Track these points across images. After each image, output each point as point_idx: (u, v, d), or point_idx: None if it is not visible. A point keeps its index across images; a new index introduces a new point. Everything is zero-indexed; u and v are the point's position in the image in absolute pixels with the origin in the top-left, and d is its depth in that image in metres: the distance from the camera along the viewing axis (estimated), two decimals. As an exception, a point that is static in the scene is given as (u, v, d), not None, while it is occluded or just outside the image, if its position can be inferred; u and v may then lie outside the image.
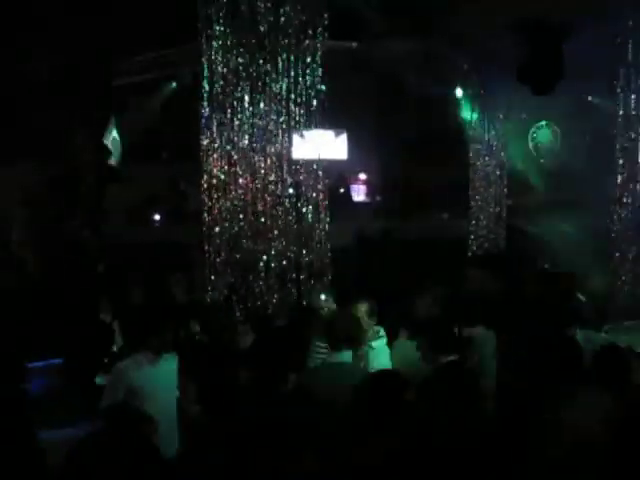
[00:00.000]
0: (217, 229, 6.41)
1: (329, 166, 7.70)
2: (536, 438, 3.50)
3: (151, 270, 7.91)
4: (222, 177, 6.46)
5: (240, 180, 6.55)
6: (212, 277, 6.37)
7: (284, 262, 6.81)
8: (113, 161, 10.34)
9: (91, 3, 8.00)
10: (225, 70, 6.33)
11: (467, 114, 10.64)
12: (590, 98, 10.99)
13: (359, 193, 14.12)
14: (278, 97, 6.63)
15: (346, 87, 10.11)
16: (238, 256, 6.52)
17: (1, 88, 9.25)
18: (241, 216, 6.52)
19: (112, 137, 10.27)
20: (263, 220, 6.67)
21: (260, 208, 6.69)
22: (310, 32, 6.54)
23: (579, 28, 7.93)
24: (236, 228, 6.56)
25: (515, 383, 4.20)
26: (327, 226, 7.23)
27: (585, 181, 11.80)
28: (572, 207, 11.64)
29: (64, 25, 8.39)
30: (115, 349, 6.50)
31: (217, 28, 6.20)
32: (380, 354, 5.50)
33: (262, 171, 6.65)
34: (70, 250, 9.38)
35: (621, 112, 8.70)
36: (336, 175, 13.07)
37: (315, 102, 6.80)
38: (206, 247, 6.40)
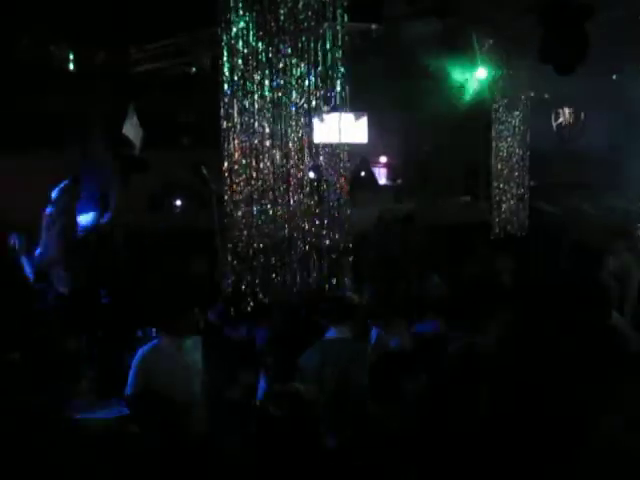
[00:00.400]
0: (239, 213, 6.39)
1: (350, 149, 7.65)
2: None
3: (173, 256, 7.95)
4: (243, 162, 6.42)
5: (261, 164, 6.51)
6: (234, 262, 6.35)
7: (306, 247, 6.78)
8: (135, 150, 10.35)
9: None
10: (244, 54, 6.28)
11: (489, 95, 10.51)
12: (614, 77, 10.85)
13: (380, 176, 14.07)
14: (298, 80, 6.58)
15: (367, 70, 10.03)
16: (260, 241, 6.49)
17: (19, 76, 9.29)
18: (263, 201, 6.49)
19: (133, 125, 10.28)
20: (285, 204, 6.64)
21: (281, 192, 6.66)
22: (330, 14, 6.47)
23: (602, 5, 7.81)
24: (256, 212, 6.53)
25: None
26: (348, 210, 7.18)
27: (607, 162, 11.69)
28: (595, 188, 11.55)
29: (82, 11, 8.40)
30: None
31: (236, 12, 6.15)
32: None
33: (283, 155, 6.61)
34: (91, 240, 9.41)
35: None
36: (358, 158, 13.05)
37: (336, 85, 6.74)
38: (228, 232, 6.38)
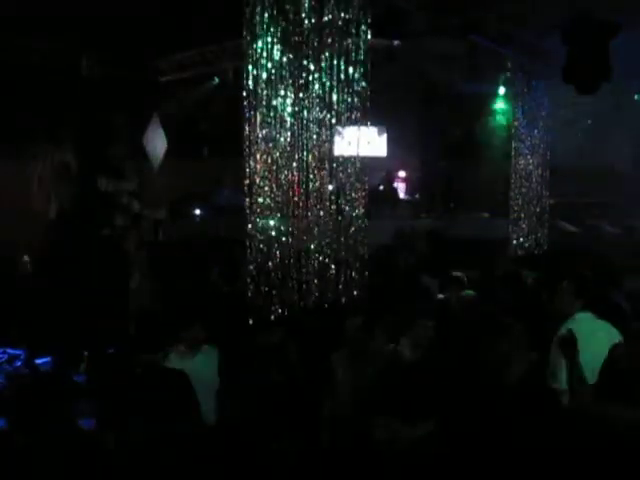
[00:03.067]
0: (260, 224, 6.44)
1: (369, 163, 7.70)
2: None
3: (193, 264, 7.99)
4: (264, 173, 6.49)
5: (282, 177, 6.57)
6: (253, 272, 6.41)
7: (326, 259, 6.83)
8: (156, 161, 10.45)
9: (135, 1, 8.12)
10: (268, 67, 6.35)
11: (510, 112, 10.54)
12: (637, 97, 10.83)
13: (399, 190, 14.10)
14: (320, 94, 6.65)
15: (388, 85, 10.08)
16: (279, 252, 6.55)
17: (44, 82, 9.43)
18: (283, 212, 6.54)
19: (156, 136, 10.39)
20: (305, 216, 6.70)
21: (301, 205, 6.72)
22: (353, 30, 6.54)
23: (626, 24, 7.81)
24: (274, 223, 6.58)
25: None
26: (365, 223, 7.21)
27: (628, 180, 11.64)
28: (614, 207, 11.49)
29: (109, 22, 8.52)
30: None
31: (260, 26, 6.23)
32: None
33: (304, 167, 6.68)
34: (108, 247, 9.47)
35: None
36: (380, 173, 13.13)
37: (357, 99, 6.80)
38: (248, 243, 6.43)
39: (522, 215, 10.43)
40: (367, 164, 7.41)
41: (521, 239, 10.42)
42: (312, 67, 6.47)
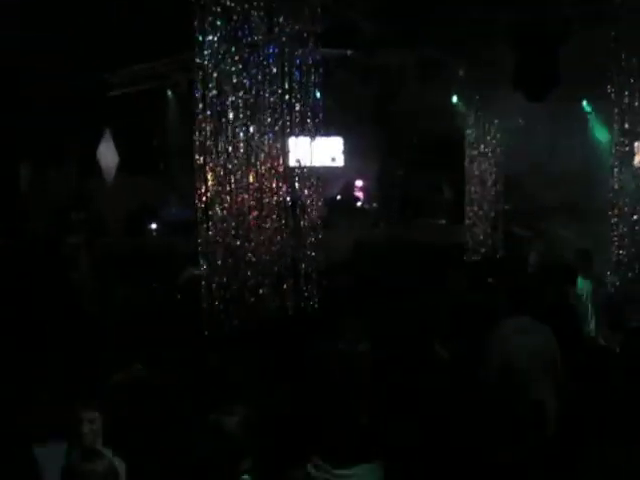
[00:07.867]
0: (217, 239, 6.37)
1: (327, 173, 7.69)
2: None
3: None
4: (218, 186, 6.43)
5: (237, 189, 6.52)
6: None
7: (283, 269, 6.79)
8: (109, 176, 10.34)
9: (87, 14, 8.05)
10: (219, 79, 6.32)
11: (463, 120, 10.66)
12: (585, 103, 11.03)
13: (357, 200, 14.16)
14: (273, 105, 6.63)
15: (343, 94, 10.12)
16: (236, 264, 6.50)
17: None
18: (233, 224, 6.47)
19: (108, 150, 10.28)
20: (260, 228, 6.66)
21: (256, 216, 6.68)
22: (304, 40, 6.54)
23: (573, 32, 7.95)
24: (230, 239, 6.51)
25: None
26: (321, 234, 7.19)
27: (581, 186, 11.82)
28: (570, 212, 11.66)
29: (60, 37, 8.42)
30: None
31: (211, 37, 6.19)
32: None
33: (258, 179, 6.64)
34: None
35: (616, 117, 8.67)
36: (338, 182, 13.18)
37: (311, 110, 6.80)
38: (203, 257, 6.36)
39: (477, 221, 10.54)
40: (324, 174, 7.40)
41: (476, 245, 10.53)
42: (263, 77, 6.45)
